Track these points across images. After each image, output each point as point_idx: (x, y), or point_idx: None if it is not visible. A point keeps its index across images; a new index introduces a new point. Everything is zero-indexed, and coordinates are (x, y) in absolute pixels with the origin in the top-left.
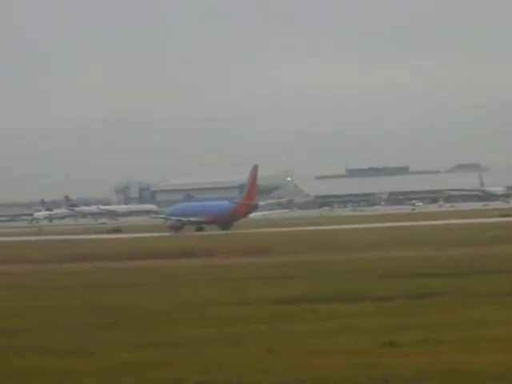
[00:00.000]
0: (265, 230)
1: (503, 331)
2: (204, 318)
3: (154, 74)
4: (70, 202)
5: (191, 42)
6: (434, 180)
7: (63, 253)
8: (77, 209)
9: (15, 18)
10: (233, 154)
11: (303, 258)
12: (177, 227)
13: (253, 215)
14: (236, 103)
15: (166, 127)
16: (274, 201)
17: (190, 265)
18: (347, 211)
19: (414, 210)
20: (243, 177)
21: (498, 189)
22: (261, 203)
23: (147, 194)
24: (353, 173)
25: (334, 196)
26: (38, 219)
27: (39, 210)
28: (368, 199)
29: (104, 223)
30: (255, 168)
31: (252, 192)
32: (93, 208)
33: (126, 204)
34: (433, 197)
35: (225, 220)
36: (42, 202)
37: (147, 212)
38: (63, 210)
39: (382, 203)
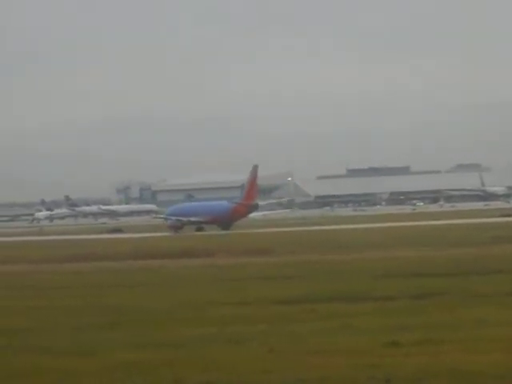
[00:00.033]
0: (265, 230)
1: (504, 331)
2: (204, 318)
3: (154, 73)
4: (70, 202)
5: (191, 42)
6: (435, 180)
7: (64, 253)
8: (77, 209)
9: (15, 18)
10: (233, 153)
11: (303, 258)
12: (177, 227)
13: (253, 215)
14: (236, 103)
15: (165, 127)
16: (274, 201)
17: (190, 265)
18: (348, 211)
19: (414, 209)
20: (243, 177)
21: (499, 189)
22: (261, 203)
23: (148, 194)
24: (353, 173)
25: (334, 196)
26: (38, 219)
27: (40, 210)
28: (369, 199)
29: (105, 223)
30: (255, 168)
31: (252, 192)
32: (93, 208)
33: (126, 204)
34: (434, 197)
35: (225, 220)
36: (43, 202)
37: (148, 212)
38: (64, 210)
39: (383, 203)
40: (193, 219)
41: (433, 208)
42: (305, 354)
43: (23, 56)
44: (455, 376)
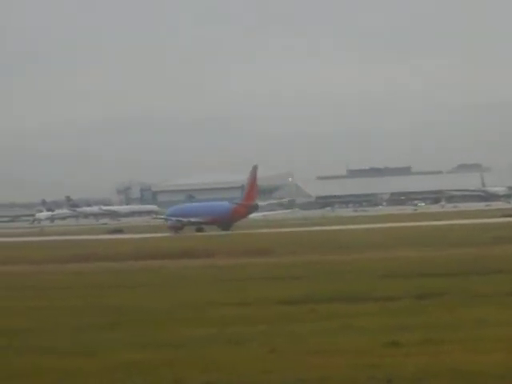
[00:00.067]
0: (265, 230)
1: (504, 331)
2: (205, 319)
3: (154, 73)
4: (71, 203)
5: (191, 42)
6: (436, 180)
7: (65, 253)
8: (78, 209)
9: (15, 17)
10: (233, 154)
11: (304, 259)
12: (177, 228)
13: (253, 216)
14: (236, 103)
15: (166, 127)
16: (275, 201)
17: (191, 265)
18: (349, 212)
19: (416, 210)
20: (243, 177)
21: (500, 189)
22: (262, 203)
23: (149, 194)
24: (354, 173)
25: (335, 196)
26: (39, 220)
27: (41, 211)
28: (370, 199)
29: (105, 224)
30: (255, 168)
31: (252, 192)
32: (94, 208)
33: (127, 204)
34: (435, 197)
35: (225, 220)
36: (44, 203)
37: (149, 212)
38: (65, 211)
39: (384, 203)
40: (193, 220)
41: (434, 208)
42: (305, 354)
43: (23, 56)
44: (456, 376)
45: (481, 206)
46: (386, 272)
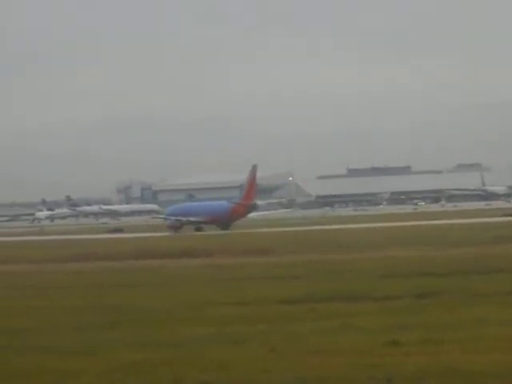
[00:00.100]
0: (265, 230)
1: (504, 331)
2: (204, 318)
3: (154, 73)
4: (71, 202)
5: (191, 42)
6: (436, 180)
7: (65, 252)
8: (78, 209)
9: (15, 17)
10: (233, 154)
11: (304, 258)
12: (176, 227)
13: (252, 215)
14: (236, 103)
15: (166, 127)
16: (275, 200)
17: (190, 265)
18: (349, 211)
19: (416, 209)
20: (243, 177)
21: (500, 188)
22: (262, 203)
23: (149, 193)
24: (354, 172)
25: (335, 196)
26: (39, 219)
27: (41, 210)
28: (370, 199)
29: (106, 223)
30: (254, 168)
31: (251, 192)
32: (94, 208)
33: (127, 204)
34: (435, 196)
35: (224, 220)
36: (44, 202)
37: (149, 212)
38: (65, 210)
39: (384, 203)
40: (192, 219)
41: (434, 208)
42: (305, 354)
43: (23, 56)
44: (456, 375)
45: (481, 205)
46: (385, 271)
